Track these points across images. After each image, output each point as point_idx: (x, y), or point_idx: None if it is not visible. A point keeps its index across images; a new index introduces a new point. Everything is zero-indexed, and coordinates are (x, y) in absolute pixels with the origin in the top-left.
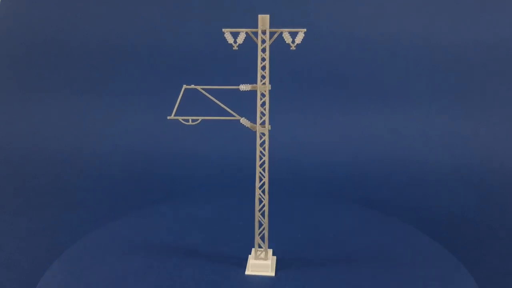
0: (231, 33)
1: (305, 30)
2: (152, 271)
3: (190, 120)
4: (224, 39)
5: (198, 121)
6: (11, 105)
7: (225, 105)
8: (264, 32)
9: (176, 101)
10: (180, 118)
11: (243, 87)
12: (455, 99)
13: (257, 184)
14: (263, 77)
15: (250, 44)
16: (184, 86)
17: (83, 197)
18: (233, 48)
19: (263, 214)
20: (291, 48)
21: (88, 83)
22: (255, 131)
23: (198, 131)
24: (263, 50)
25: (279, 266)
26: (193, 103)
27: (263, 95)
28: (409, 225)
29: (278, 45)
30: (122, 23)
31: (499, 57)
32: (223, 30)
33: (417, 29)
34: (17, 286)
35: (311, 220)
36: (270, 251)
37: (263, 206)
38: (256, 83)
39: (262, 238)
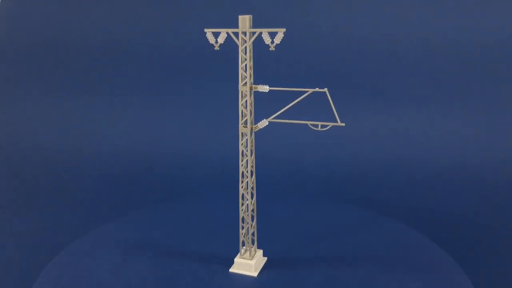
0: (213, 33)
1: (284, 30)
2: (152, 270)
3: (319, 126)
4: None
5: (328, 127)
6: (11, 105)
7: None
8: (245, 33)
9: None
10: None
11: (261, 88)
12: (455, 99)
13: (240, 183)
14: (244, 77)
15: (255, 44)
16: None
17: (83, 197)
18: (215, 48)
19: (250, 214)
20: (270, 49)
21: (88, 83)
22: (252, 132)
23: (198, 131)
24: (244, 51)
25: (269, 265)
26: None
27: (250, 95)
28: (408, 225)
29: (279, 45)
30: (122, 23)
31: (499, 57)
32: (205, 30)
33: (417, 29)
34: (17, 285)
35: (312, 221)
36: (260, 252)
37: (247, 205)
38: (258, 83)
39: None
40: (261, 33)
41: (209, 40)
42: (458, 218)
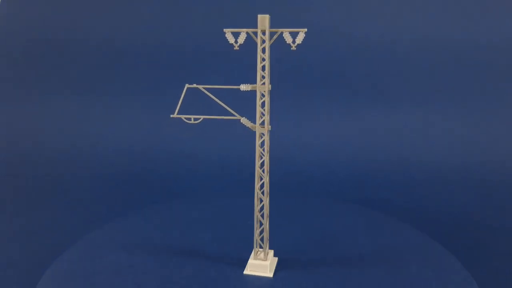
0: (232, 33)
1: (305, 30)
2: (152, 271)
3: (192, 119)
4: (225, 39)
5: (200, 120)
6: (11, 105)
7: (226, 105)
8: (264, 32)
9: (178, 100)
10: (182, 116)
11: (244, 87)
12: (455, 99)
13: (257, 185)
14: (263, 77)
15: (252, 44)
16: (187, 86)
17: (83, 197)
18: (234, 48)
19: (262, 215)
20: (291, 48)
21: (88, 83)
22: (255, 131)
23: (198, 131)
24: (263, 50)
25: (280, 266)
26: (195, 102)
27: (262, 95)
28: (409, 225)
29: (279, 45)
30: (122, 23)
31: (499, 57)
32: (224, 30)
33: (417, 29)
34: (17, 286)
35: (312, 221)
36: (271, 252)
37: (263, 206)
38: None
39: (262, 239)
40: (281, 33)
41: (228, 40)
42: (458, 218)
